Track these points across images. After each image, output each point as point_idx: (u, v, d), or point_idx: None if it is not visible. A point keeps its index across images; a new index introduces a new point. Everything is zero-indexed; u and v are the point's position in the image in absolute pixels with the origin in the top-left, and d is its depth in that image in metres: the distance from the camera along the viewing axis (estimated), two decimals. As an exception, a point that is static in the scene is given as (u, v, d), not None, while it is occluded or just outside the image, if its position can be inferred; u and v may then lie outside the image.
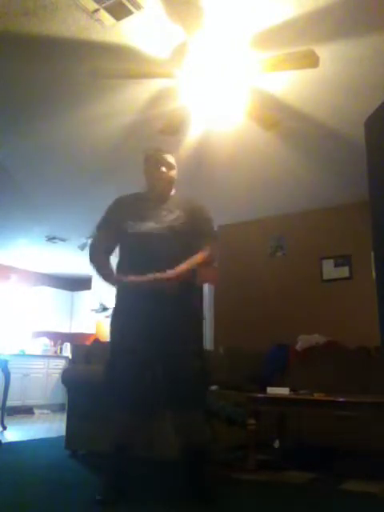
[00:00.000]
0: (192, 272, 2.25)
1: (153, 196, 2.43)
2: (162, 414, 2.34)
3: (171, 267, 2.20)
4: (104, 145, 3.72)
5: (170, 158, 2.42)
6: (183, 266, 2.21)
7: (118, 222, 2.39)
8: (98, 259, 2.41)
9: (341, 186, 4.44)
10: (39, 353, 7.62)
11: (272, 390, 3.19)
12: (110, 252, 2.46)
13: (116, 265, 2.41)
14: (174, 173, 2.43)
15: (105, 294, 6.77)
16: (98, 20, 2.42)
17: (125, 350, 2.20)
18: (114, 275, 2.32)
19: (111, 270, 2.35)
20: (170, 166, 2.41)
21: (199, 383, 2.24)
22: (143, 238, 2.30)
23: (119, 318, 2.33)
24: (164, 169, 2.39)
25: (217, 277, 2.53)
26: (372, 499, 2.39)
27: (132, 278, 2.19)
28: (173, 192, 2.48)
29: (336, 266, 4.78)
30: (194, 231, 2.36)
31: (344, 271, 4.72)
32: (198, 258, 2.27)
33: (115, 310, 2.38)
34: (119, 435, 2.24)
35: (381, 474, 2.71)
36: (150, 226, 2.31)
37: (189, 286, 2.29)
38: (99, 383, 2.34)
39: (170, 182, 2.43)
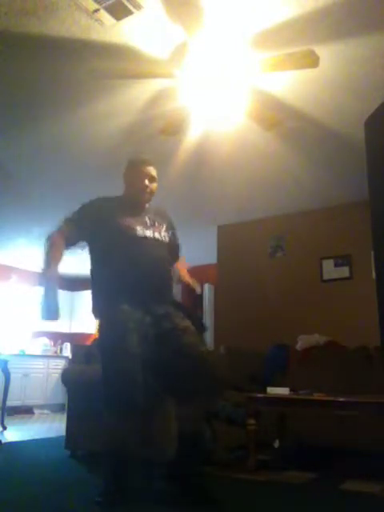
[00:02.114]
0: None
1: (132, 204, 2.45)
2: (160, 414, 2.34)
3: (165, 273, 2.36)
4: (104, 145, 3.72)
5: (153, 171, 2.46)
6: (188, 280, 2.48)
7: (100, 221, 2.36)
8: (59, 245, 2.39)
9: (341, 186, 4.44)
10: (39, 353, 7.62)
11: (272, 390, 3.19)
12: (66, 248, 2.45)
13: (99, 266, 2.38)
14: (155, 186, 2.48)
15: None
16: (97, 20, 2.42)
17: (123, 354, 2.15)
18: (52, 272, 2.26)
19: (57, 264, 2.31)
20: (152, 180, 2.45)
21: (199, 380, 2.22)
22: (141, 242, 2.33)
23: (112, 323, 2.27)
24: (147, 182, 2.42)
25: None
26: (372, 499, 2.39)
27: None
28: (147, 205, 2.52)
29: (336, 265, 4.78)
30: (171, 240, 2.51)
31: (344, 271, 4.72)
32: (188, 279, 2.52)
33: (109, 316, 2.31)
34: (117, 435, 2.24)
35: (381, 474, 2.71)
36: (145, 231, 2.37)
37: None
38: (99, 383, 2.33)
39: (151, 195, 2.47)
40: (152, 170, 2.45)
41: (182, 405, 2.26)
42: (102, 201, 2.44)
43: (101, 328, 2.35)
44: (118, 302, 2.24)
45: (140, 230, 2.34)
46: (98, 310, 2.35)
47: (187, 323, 2.31)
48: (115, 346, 2.18)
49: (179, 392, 2.24)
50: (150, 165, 2.46)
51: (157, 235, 2.40)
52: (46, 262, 2.29)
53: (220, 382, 2.33)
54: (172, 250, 2.52)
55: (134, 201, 2.45)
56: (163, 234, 2.44)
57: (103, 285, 2.35)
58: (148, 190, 2.43)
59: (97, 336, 2.45)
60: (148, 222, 2.42)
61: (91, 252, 2.45)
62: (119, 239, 2.34)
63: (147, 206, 2.50)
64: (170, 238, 2.49)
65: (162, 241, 2.41)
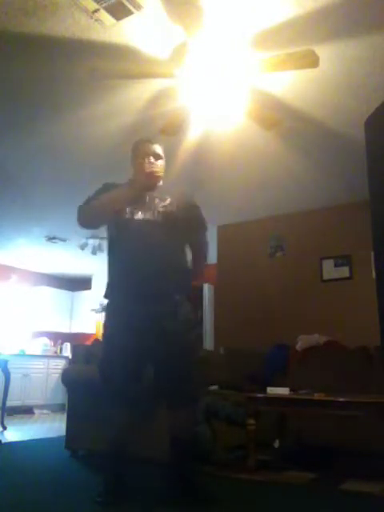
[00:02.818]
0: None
1: (141, 186, 2.32)
2: (158, 413, 2.34)
3: (165, 255, 2.22)
4: (104, 145, 3.72)
5: (158, 149, 2.36)
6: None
7: None
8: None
9: (341, 186, 4.44)
10: (39, 353, 7.62)
11: (272, 390, 3.19)
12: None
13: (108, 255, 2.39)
14: (162, 162, 2.37)
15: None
16: (98, 20, 2.42)
17: (119, 348, 2.20)
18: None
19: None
20: (157, 157, 2.35)
21: (191, 380, 2.23)
22: (139, 226, 2.26)
23: (112, 317, 2.32)
24: (152, 159, 2.33)
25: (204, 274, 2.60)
26: (372, 499, 2.39)
27: None
28: (160, 183, 2.40)
29: (336, 265, 4.78)
30: (185, 218, 2.35)
31: (344, 271, 4.72)
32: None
33: (107, 310, 2.37)
34: (116, 435, 2.25)
35: (381, 474, 2.71)
36: (145, 213, 2.27)
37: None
38: (97, 383, 2.34)
39: (158, 172, 2.33)
40: (156, 148, 2.35)
41: (167, 406, 2.26)
42: (111, 186, 2.38)
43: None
44: (114, 293, 2.29)
45: (129, 212, 2.25)
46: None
47: (177, 322, 2.24)
48: (106, 338, 2.30)
49: (161, 391, 2.25)
50: (154, 143, 2.37)
51: (149, 214, 2.26)
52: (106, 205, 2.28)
53: (193, 390, 2.28)
54: (185, 226, 2.36)
55: (143, 182, 2.31)
56: (160, 209, 2.28)
57: (108, 273, 2.36)
58: (153, 167, 2.30)
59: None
60: (146, 199, 2.30)
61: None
62: (115, 225, 2.32)
63: (160, 184, 2.37)
64: (180, 214, 2.31)
65: (154, 221, 2.25)
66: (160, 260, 2.21)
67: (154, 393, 2.29)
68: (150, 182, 2.31)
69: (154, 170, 2.30)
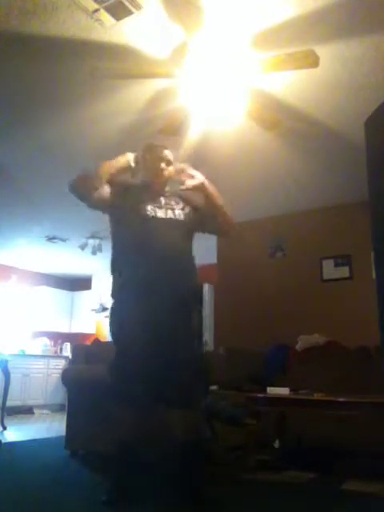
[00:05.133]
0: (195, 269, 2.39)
1: (148, 187, 2.42)
2: (163, 412, 2.34)
3: (183, 256, 2.32)
4: (104, 145, 3.72)
5: (170, 155, 2.45)
6: (210, 187, 2.43)
7: (119, 202, 2.36)
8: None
9: (341, 186, 4.44)
10: (39, 353, 7.62)
11: (272, 390, 3.20)
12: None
13: (114, 250, 2.39)
14: (172, 169, 2.45)
15: (105, 293, 6.76)
16: (98, 20, 2.42)
17: (131, 346, 2.19)
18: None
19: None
20: (169, 163, 2.44)
21: (198, 381, 2.24)
22: (153, 224, 2.30)
23: (119, 314, 2.31)
24: (164, 165, 2.41)
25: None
26: (372, 499, 2.39)
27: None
28: (167, 188, 2.50)
29: (336, 265, 4.78)
30: (200, 216, 2.46)
31: (344, 271, 4.72)
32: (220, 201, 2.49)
33: (114, 307, 2.35)
34: (124, 436, 2.24)
35: (381, 474, 2.71)
36: (157, 211, 2.33)
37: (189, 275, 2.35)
38: (99, 383, 2.34)
39: (168, 178, 2.45)
40: (169, 154, 2.44)
41: (170, 407, 2.26)
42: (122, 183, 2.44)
43: (110, 313, 2.37)
44: (121, 291, 2.27)
45: (151, 210, 2.32)
46: (112, 294, 2.36)
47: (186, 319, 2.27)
48: (115, 334, 2.27)
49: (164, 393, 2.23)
50: (167, 148, 2.46)
51: (170, 214, 2.35)
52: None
53: (202, 378, 2.30)
54: (201, 221, 2.47)
55: (151, 185, 2.42)
56: (177, 212, 2.38)
57: (115, 267, 2.35)
58: (165, 172, 2.41)
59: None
60: (162, 201, 2.39)
61: (111, 234, 2.46)
62: (130, 220, 2.34)
63: (167, 188, 2.47)
64: (190, 215, 2.42)
65: (176, 219, 2.35)
66: (178, 261, 2.29)
67: (163, 394, 2.29)
68: (160, 184, 2.43)
69: (165, 174, 2.42)
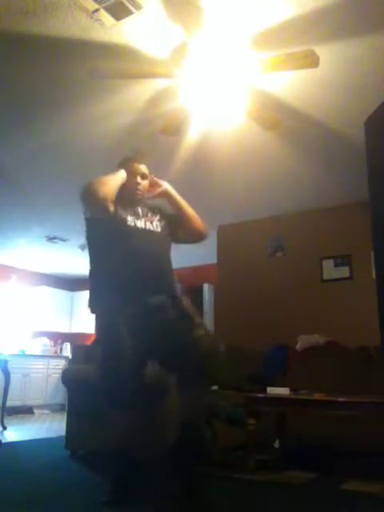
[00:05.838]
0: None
1: (124, 199, 2.45)
2: (162, 411, 2.34)
3: (162, 261, 2.40)
4: (104, 145, 3.72)
5: (145, 169, 2.52)
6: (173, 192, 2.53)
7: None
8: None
9: (341, 186, 4.44)
10: (39, 353, 7.62)
11: (272, 390, 3.19)
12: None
13: (95, 259, 2.40)
14: (146, 183, 2.53)
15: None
16: (98, 20, 2.42)
17: (122, 347, 2.19)
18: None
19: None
20: (144, 177, 2.51)
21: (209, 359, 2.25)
22: (132, 232, 2.35)
23: (108, 316, 2.30)
24: (139, 179, 2.48)
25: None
26: (372, 499, 2.39)
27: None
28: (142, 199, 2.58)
29: (336, 265, 4.78)
30: (172, 225, 2.53)
31: (344, 271, 4.72)
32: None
33: (104, 310, 2.34)
34: (121, 435, 2.24)
35: (381, 474, 2.71)
36: (136, 221, 2.40)
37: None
38: (98, 383, 2.33)
39: (143, 191, 2.52)
40: (143, 168, 2.51)
41: (180, 391, 2.27)
42: None
43: (96, 322, 2.37)
44: (111, 294, 2.28)
45: (131, 221, 2.38)
46: (93, 303, 2.36)
47: (182, 312, 2.30)
48: (107, 338, 2.26)
49: (178, 378, 2.27)
50: (141, 163, 2.52)
51: (148, 226, 2.43)
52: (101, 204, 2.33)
53: (215, 368, 2.31)
54: (173, 225, 2.53)
55: (127, 197, 2.47)
56: (155, 223, 2.47)
57: (97, 276, 2.37)
58: (139, 187, 2.48)
59: (95, 333, 2.43)
60: (140, 212, 2.46)
61: (89, 243, 2.49)
62: (111, 230, 2.37)
63: (142, 200, 2.54)
64: (165, 225, 2.50)
65: (154, 231, 2.44)
66: (159, 264, 2.38)
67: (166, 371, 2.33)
68: (135, 197, 2.50)
69: (141, 189, 2.49)
